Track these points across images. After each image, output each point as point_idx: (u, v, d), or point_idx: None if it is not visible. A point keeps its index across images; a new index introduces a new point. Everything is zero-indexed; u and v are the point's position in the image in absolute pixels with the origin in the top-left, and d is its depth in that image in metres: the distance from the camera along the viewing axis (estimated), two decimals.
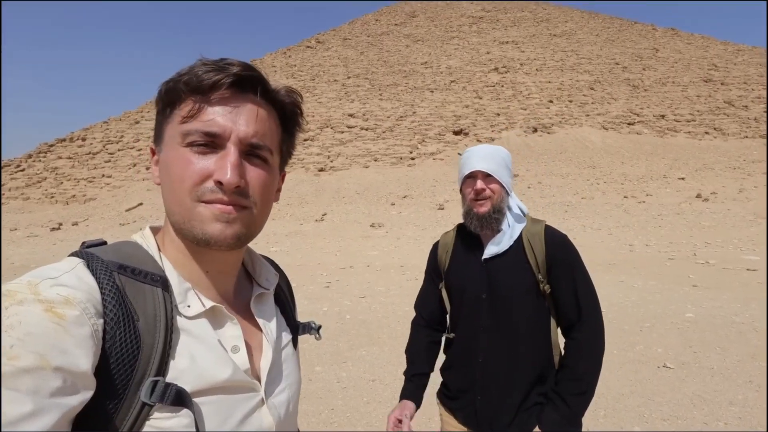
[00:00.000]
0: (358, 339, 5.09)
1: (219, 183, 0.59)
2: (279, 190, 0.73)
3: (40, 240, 17.84)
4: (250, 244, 0.73)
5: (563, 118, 40.67)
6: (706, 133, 38.14)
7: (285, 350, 0.76)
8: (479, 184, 1.42)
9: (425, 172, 31.66)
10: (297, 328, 0.84)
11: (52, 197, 33.63)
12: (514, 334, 1.40)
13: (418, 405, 1.53)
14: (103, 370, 0.52)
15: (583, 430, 1.47)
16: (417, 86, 45.93)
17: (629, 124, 40.01)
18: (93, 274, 0.56)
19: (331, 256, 11.60)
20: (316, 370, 4.21)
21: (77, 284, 0.53)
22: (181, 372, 0.58)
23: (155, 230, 0.70)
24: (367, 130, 38.44)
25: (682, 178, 26.75)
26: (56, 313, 0.49)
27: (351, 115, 40.46)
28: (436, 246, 1.64)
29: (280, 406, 0.70)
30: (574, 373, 1.36)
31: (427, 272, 1.67)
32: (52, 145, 40.27)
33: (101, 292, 0.55)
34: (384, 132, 38.07)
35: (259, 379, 0.68)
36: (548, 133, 38.95)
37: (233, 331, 0.67)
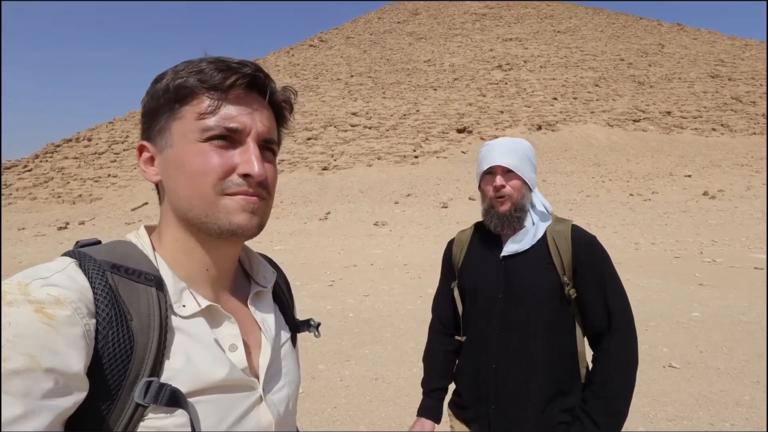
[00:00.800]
0: (362, 337, 5.09)
1: (246, 176, 0.61)
2: None
3: (47, 239, 18.02)
4: (251, 242, 0.74)
5: (568, 115, 40.40)
6: (713, 129, 37.72)
7: (284, 348, 0.76)
8: (499, 180, 1.32)
9: (429, 170, 31.59)
10: (296, 326, 0.84)
11: (59, 197, 33.96)
12: (531, 338, 1.30)
13: (437, 422, 1.46)
14: (95, 370, 0.52)
15: None
16: (420, 84, 45.80)
17: (635, 121, 39.66)
18: (85, 274, 0.55)
19: (335, 254, 11.62)
20: (319, 368, 4.22)
21: (68, 284, 0.53)
22: (176, 372, 0.57)
23: (150, 230, 0.70)
24: (370, 128, 38.40)
25: (689, 176, 26.50)
26: (47, 314, 0.48)
27: (354, 114, 40.43)
28: (451, 243, 1.55)
29: (279, 403, 0.69)
30: (604, 390, 1.25)
31: (442, 272, 1.58)
32: (58, 146, 40.64)
33: (93, 292, 0.54)
34: (387, 130, 38.02)
35: (257, 377, 0.67)
36: (552, 130, 38.71)
37: (230, 329, 0.66)
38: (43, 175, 36.62)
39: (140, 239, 0.67)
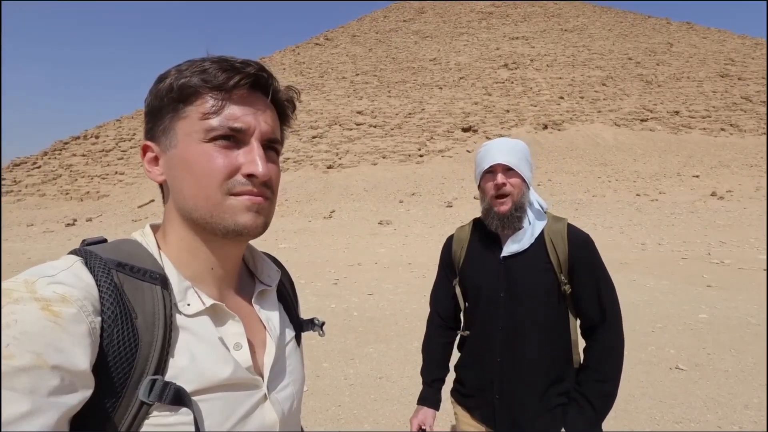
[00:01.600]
0: (366, 336, 5.09)
1: (251, 176, 0.61)
2: None
3: (55, 235, 18.23)
4: (254, 240, 0.74)
5: (574, 114, 40.09)
6: (722, 129, 37.26)
7: (288, 346, 0.76)
8: (500, 178, 1.37)
9: (434, 169, 31.53)
10: (300, 325, 0.84)
11: (67, 194, 34.34)
12: (533, 333, 1.38)
13: (437, 410, 1.55)
14: (100, 368, 0.52)
15: None
16: (426, 83, 45.68)
17: (642, 120, 39.27)
18: (91, 272, 0.55)
19: (339, 253, 11.63)
20: (323, 367, 4.23)
21: (74, 282, 0.53)
22: (180, 370, 0.57)
23: (155, 228, 0.70)
24: (375, 127, 38.38)
25: (697, 176, 26.21)
26: (52, 311, 0.48)
27: (359, 113, 40.43)
28: (450, 240, 1.59)
29: (283, 402, 0.69)
30: (599, 375, 1.36)
31: (440, 267, 1.63)
32: (66, 143, 41.08)
33: (99, 290, 0.54)
34: (392, 129, 37.98)
35: (262, 376, 0.67)
36: (559, 130, 38.44)
37: (235, 328, 0.66)
38: (52, 172, 37.05)
39: (145, 238, 0.67)
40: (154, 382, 0.54)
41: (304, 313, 0.90)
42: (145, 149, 0.67)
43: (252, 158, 0.61)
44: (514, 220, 1.38)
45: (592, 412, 1.32)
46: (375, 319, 5.75)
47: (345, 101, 42.44)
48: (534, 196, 1.45)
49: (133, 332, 0.55)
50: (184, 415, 0.55)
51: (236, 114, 0.61)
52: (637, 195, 22.81)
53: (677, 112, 39.76)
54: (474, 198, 22.80)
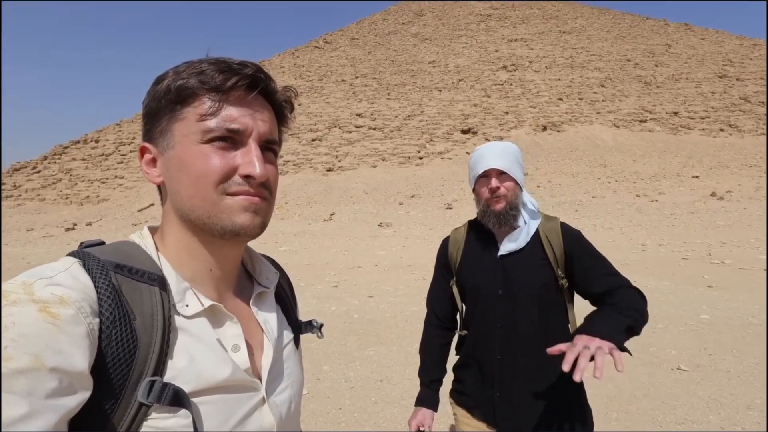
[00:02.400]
0: (366, 338, 5.08)
1: (248, 177, 0.61)
2: None
3: (55, 240, 18.23)
4: (254, 243, 0.74)
5: (573, 116, 40.17)
6: (721, 130, 37.32)
7: (286, 349, 0.76)
8: (494, 182, 1.41)
9: (433, 171, 31.56)
10: (298, 327, 0.84)
11: (67, 198, 34.37)
12: (532, 329, 1.40)
13: (435, 410, 1.55)
14: (99, 369, 0.52)
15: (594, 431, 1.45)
16: (425, 85, 45.79)
17: (641, 121, 39.35)
18: (89, 274, 0.55)
19: (339, 255, 11.63)
20: (324, 369, 4.21)
21: (72, 283, 0.53)
22: (179, 371, 0.57)
23: (153, 230, 0.70)
24: (375, 129, 38.45)
25: (697, 177, 26.24)
26: (50, 313, 0.48)
27: (359, 115, 40.51)
28: (446, 241, 1.62)
29: (281, 404, 0.69)
30: (622, 307, 1.27)
31: (436, 267, 1.65)
32: (66, 147, 41.14)
33: (97, 291, 0.54)
34: (392, 131, 38.04)
35: (260, 378, 0.67)
36: (558, 131, 38.51)
37: (233, 330, 0.66)
38: (52, 177, 37.08)
39: (143, 240, 0.67)
40: (152, 383, 0.54)
41: (305, 316, 0.90)
42: (143, 151, 0.67)
43: (249, 159, 0.61)
44: (509, 218, 1.42)
45: (621, 319, 1.22)
46: (375, 321, 5.74)
47: (344, 104, 42.54)
48: (527, 198, 1.50)
49: (131, 334, 0.55)
50: (183, 417, 0.55)
51: (233, 115, 0.61)
52: (637, 196, 22.82)
53: (676, 113, 39.85)
54: (474, 199, 22.80)
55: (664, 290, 6.99)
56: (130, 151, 39.48)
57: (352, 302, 6.70)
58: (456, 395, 1.57)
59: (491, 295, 1.45)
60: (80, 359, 0.49)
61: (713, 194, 21.60)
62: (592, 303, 1.44)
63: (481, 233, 1.53)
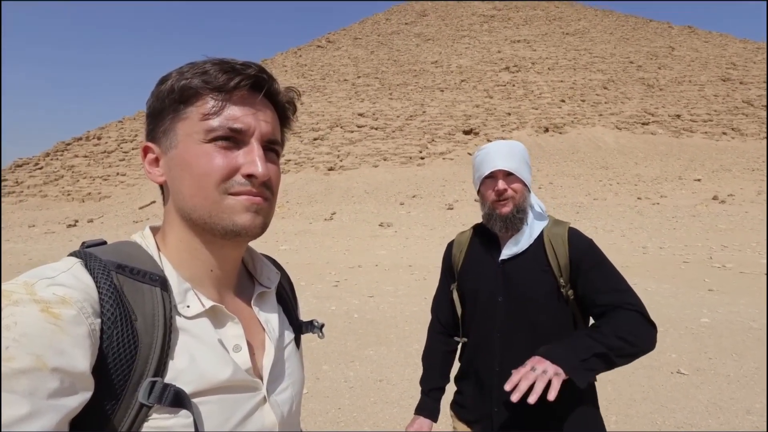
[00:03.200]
0: (366, 338, 5.08)
1: (250, 176, 0.61)
2: None
3: (56, 236, 18.27)
4: (255, 241, 0.74)
5: (575, 117, 40.13)
6: (724, 133, 37.26)
7: (287, 349, 0.76)
8: (501, 184, 1.33)
9: (435, 171, 31.56)
10: (299, 327, 0.84)
11: (69, 195, 34.45)
12: (533, 339, 1.30)
13: (435, 421, 1.48)
14: (100, 370, 0.52)
15: None
16: (427, 85, 45.79)
17: (643, 124, 39.29)
18: (90, 274, 0.55)
19: (340, 255, 11.63)
20: (323, 369, 4.22)
21: (74, 284, 0.53)
22: (180, 372, 0.57)
23: (155, 230, 0.70)
24: (376, 129, 38.46)
25: (698, 180, 26.18)
26: (52, 313, 0.48)
27: (361, 115, 40.52)
28: (450, 245, 1.57)
29: (282, 404, 0.69)
30: (616, 330, 1.16)
31: (441, 272, 1.60)
32: (68, 144, 41.25)
33: (98, 292, 0.54)
34: (394, 131, 38.05)
35: (261, 378, 0.67)
36: (560, 133, 38.48)
37: (234, 330, 0.66)
38: (54, 173, 37.19)
39: (145, 240, 0.67)
40: (153, 384, 0.54)
41: (305, 315, 0.90)
42: (145, 150, 0.67)
43: (251, 159, 0.61)
44: (516, 221, 1.35)
45: (589, 341, 1.13)
46: (375, 321, 5.74)
47: (346, 103, 42.55)
48: (534, 199, 1.43)
49: (132, 334, 0.55)
50: (184, 417, 0.55)
51: (236, 115, 0.62)
52: (639, 198, 22.79)
53: (679, 116, 39.78)
54: (475, 200, 22.76)
55: (664, 293, 6.97)
56: (132, 149, 39.56)
57: (353, 302, 6.70)
58: (456, 408, 1.49)
59: (491, 301, 1.37)
60: (82, 359, 0.49)
61: (715, 198, 21.56)
62: (595, 321, 1.32)
63: (485, 237, 1.46)
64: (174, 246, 0.66)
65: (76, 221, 23.28)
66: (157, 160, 0.66)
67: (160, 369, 0.56)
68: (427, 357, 1.58)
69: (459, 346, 1.54)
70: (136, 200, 30.25)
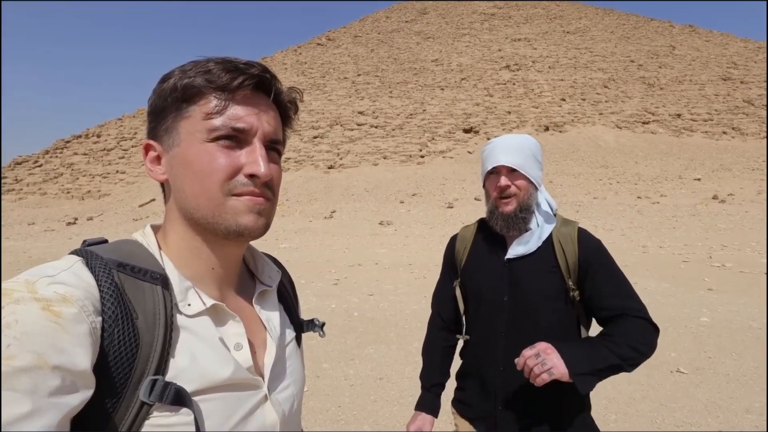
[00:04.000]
0: (366, 337, 5.09)
1: (252, 176, 0.61)
2: None
3: (56, 234, 18.26)
4: (256, 241, 0.74)
5: (576, 116, 40.08)
6: (724, 132, 37.22)
7: (289, 347, 0.76)
8: (503, 180, 1.29)
9: (435, 170, 31.53)
10: (300, 326, 0.84)
11: (68, 192, 34.40)
12: (538, 340, 1.27)
13: (435, 417, 1.47)
14: (101, 368, 0.52)
15: None
16: (427, 84, 45.70)
17: (644, 123, 39.25)
18: (91, 272, 0.55)
19: (340, 253, 11.63)
20: (323, 367, 4.22)
21: (75, 282, 0.53)
22: (181, 371, 0.57)
23: (156, 229, 0.70)
24: (376, 127, 38.40)
25: (698, 179, 26.17)
26: (53, 312, 0.48)
27: (361, 113, 40.46)
28: (454, 239, 1.53)
29: (284, 402, 0.69)
30: (626, 338, 1.18)
31: (443, 266, 1.56)
32: (68, 142, 41.18)
33: (100, 290, 0.54)
34: (394, 130, 38.00)
35: (262, 377, 0.67)
36: (560, 131, 38.43)
37: (236, 328, 0.66)
38: (53, 171, 37.13)
39: (146, 238, 0.66)
40: (154, 382, 0.54)
41: (305, 314, 0.90)
42: (147, 148, 0.66)
43: (254, 158, 0.62)
44: (519, 222, 1.30)
45: (601, 348, 1.15)
46: (375, 319, 5.75)
47: (346, 101, 42.48)
48: (543, 196, 1.37)
49: (133, 332, 0.55)
50: (185, 416, 0.55)
51: (239, 114, 0.62)
52: (638, 197, 22.78)
53: (679, 115, 39.74)
54: (475, 199, 22.78)
55: (664, 292, 6.98)
56: (132, 146, 39.50)
57: (353, 300, 6.71)
58: (458, 405, 1.48)
59: (496, 300, 1.34)
60: (83, 358, 0.49)
61: (715, 197, 21.55)
62: (599, 324, 1.32)
63: (491, 233, 1.41)
64: (175, 244, 0.66)
65: (76, 219, 23.26)
66: (158, 158, 0.66)
67: (161, 367, 0.55)
68: (428, 352, 1.56)
69: (460, 343, 1.53)
70: (135, 198, 30.22)
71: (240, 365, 0.63)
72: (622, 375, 3.93)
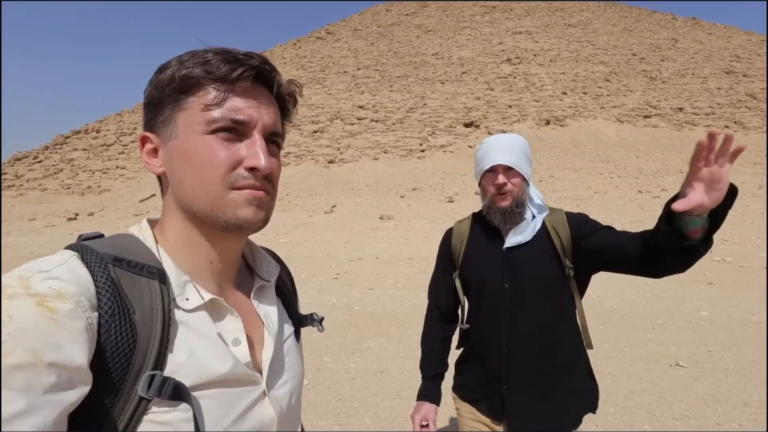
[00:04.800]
0: (367, 330, 5.11)
1: (253, 169, 0.60)
2: None
3: (57, 230, 18.29)
4: (255, 234, 0.74)
5: (577, 110, 39.89)
6: (726, 126, 37.03)
7: (287, 342, 0.76)
8: (501, 178, 1.38)
9: (435, 164, 31.46)
10: (299, 320, 0.84)
11: (69, 188, 34.41)
12: (541, 322, 1.39)
13: (438, 405, 1.53)
14: (98, 364, 0.51)
15: (593, 429, 1.45)
16: (428, 77, 45.44)
17: (645, 117, 39.06)
18: (87, 267, 0.55)
19: (340, 247, 11.65)
20: (324, 361, 4.25)
21: (70, 277, 0.52)
22: (179, 366, 0.57)
23: (152, 223, 0.69)
24: (377, 122, 38.26)
25: None
26: (48, 307, 0.48)
27: (361, 107, 40.28)
28: (449, 233, 1.59)
29: (282, 398, 0.69)
30: None
31: (439, 259, 1.62)
32: (68, 137, 41.07)
33: (95, 285, 0.53)
34: (394, 124, 37.85)
35: (260, 372, 0.67)
36: (561, 125, 38.27)
37: (234, 323, 0.66)
38: (53, 167, 37.09)
39: (142, 232, 0.66)
40: (152, 377, 0.53)
41: (306, 308, 0.90)
42: (143, 140, 0.65)
43: (254, 151, 0.61)
44: (515, 215, 1.40)
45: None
46: (376, 313, 5.77)
47: (346, 95, 42.27)
48: (534, 192, 1.47)
49: (131, 328, 0.54)
50: (183, 411, 0.54)
51: (238, 106, 0.60)
52: (640, 192, 22.74)
53: (681, 109, 39.53)
54: (475, 193, 22.77)
55: (664, 286, 6.99)
56: (132, 142, 39.40)
57: (353, 294, 6.73)
58: (460, 390, 1.55)
59: (497, 288, 1.42)
60: (79, 354, 0.48)
61: None
62: (621, 263, 1.25)
63: (486, 226, 1.50)
64: (173, 238, 0.65)
65: (77, 214, 23.29)
66: (155, 151, 0.65)
67: (159, 362, 0.55)
68: (427, 343, 1.62)
69: (458, 332, 1.58)
70: (136, 193, 30.22)
71: (238, 360, 0.62)
72: (621, 369, 3.96)
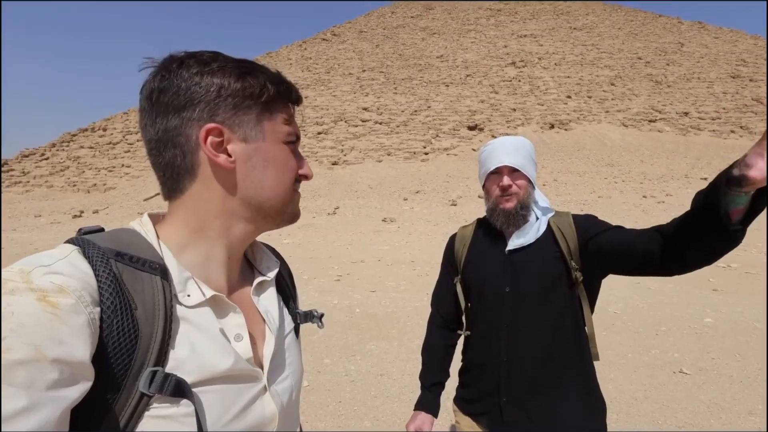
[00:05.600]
0: (368, 333, 5.10)
1: (305, 177, 0.75)
2: None
3: (62, 227, 18.42)
4: (261, 235, 0.79)
5: (581, 114, 39.75)
6: (732, 131, 36.77)
7: (287, 338, 0.76)
8: (506, 180, 1.35)
9: (439, 167, 31.43)
10: (299, 317, 0.84)
11: (74, 185, 34.65)
12: (542, 328, 1.32)
13: (435, 416, 1.48)
14: (100, 359, 0.51)
15: None
16: (432, 80, 45.45)
17: (650, 121, 38.85)
18: (88, 261, 0.54)
19: (343, 249, 11.65)
20: (325, 362, 4.24)
21: (72, 272, 0.51)
22: (181, 362, 0.57)
23: (154, 218, 0.69)
24: (381, 124, 38.29)
25: (705, 179, 25.91)
26: (50, 302, 0.47)
27: (365, 109, 40.34)
28: (453, 238, 1.57)
29: (282, 393, 0.70)
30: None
31: (442, 265, 1.60)
32: (74, 135, 41.40)
33: (97, 280, 0.53)
34: (398, 126, 37.87)
35: (261, 367, 0.67)
36: (566, 129, 38.15)
37: (236, 319, 0.66)
38: (60, 164, 37.38)
39: (144, 227, 0.65)
40: (154, 373, 0.53)
41: (307, 309, 0.91)
42: (210, 132, 0.62)
43: (306, 164, 0.75)
44: (519, 218, 1.36)
45: None
46: (377, 316, 5.76)
47: (351, 97, 42.35)
48: (538, 194, 1.44)
49: (133, 323, 0.54)
50: (185, 407, 0.55)
51: (297, 124, 0.75)
52: (644, 197, 22.61)
53: (686, 113, 39.29)
54: (479, 197, 22.71)
55: (668, 293, 6.94)
56: (137, 140, 39.63)
57: (355, 296, 6.72)
58: (460, 402, 1.49)
59: (498, 292, 1.38)
60: (81, 349, 0.48)
61: None
62: (633, 261, 1.15)
63: (489, 230, 1.47)
64: (176, 234, 0.66)
65: (82, 212, 23.44)
66: (221, 144, 0.64)
67: (161, 358, 0.55)
68: (428, 351, 1.57)
69: (461, 340, 1.53)
70: (141, 192, 30.39)
71: (240, 357, 0.63)
72: (624, 375, 3.93)
